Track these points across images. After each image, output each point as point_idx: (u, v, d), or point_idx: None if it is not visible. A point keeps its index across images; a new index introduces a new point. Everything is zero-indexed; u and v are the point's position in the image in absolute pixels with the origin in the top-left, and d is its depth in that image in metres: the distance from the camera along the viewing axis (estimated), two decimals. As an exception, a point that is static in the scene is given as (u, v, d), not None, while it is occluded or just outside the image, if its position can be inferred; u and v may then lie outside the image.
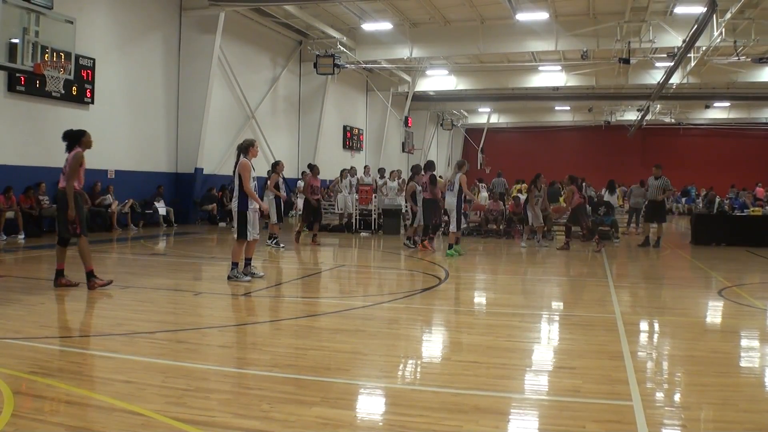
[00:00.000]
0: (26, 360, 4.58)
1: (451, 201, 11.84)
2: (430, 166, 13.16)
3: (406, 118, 31.68)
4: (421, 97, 32.86)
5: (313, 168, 14.80)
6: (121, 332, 5.54)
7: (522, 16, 19.01)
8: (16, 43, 10.41)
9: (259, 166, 22.27)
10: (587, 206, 15.26)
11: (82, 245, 7.44)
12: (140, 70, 17.17)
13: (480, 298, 8.43)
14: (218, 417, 3.57)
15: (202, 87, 18.29)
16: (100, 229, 15.24)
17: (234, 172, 8.42)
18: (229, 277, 8.33)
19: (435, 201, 12.67)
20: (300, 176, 18.69)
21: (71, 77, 11.90)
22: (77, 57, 13.00)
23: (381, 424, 3.63)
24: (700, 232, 15.32)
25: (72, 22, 11.60)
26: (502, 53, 24.25)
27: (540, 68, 26.88)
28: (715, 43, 18.25)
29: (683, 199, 33.61)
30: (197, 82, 18.35)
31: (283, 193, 13.34)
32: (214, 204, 19.21)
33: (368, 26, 21.99)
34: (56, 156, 14.82)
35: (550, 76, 27.65)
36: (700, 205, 28.18)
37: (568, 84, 28.11)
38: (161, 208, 17.47)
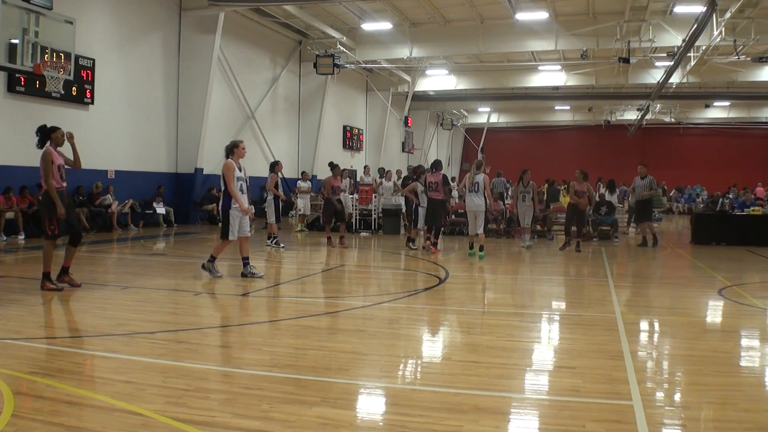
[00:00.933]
0: (26, 360, 4.58)
1: (478, 202, 11.53)
2: (439, 165, 12.70)
3: (406, 118, 31.69)
4: (421, 97, 32.87)
5: (334, 168, 14.18)
6: (121, 332, 5.54)
7: (522, 16, 19.02)
8: (15, 44, 10.41)
9: (260, 166, 22.35)
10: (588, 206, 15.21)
11: (47, 247, 7.34)
12: (140, 70, 17.17)
13: (480, 298, 8.43)
14: (218, 417, 3.56)
15: (201, 87, 18.30)
16: (100, 229, 15.24)
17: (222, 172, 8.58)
18: (202, 266, 8.60)
19: (445, 202, 12.47)
20: (300, 176, 18.65)
21: (71, 77, 11.90)
22: (77, 57, 13.01)
23: (381, 424, 3.63)
24: (700, 232, 15.31)
25: (72, 23, 11.60)
26: (502, 53, 24.25)
27: (540, 68, 26.89)
28: (715, 43, 18.26)
29: (682, 199, 33.64)
30: (197, 82, 18.35)
31: (281, 193, 13.37)
32: (214, 204, 19.19)
33: (368, 26, 22.00)
34: (56, 156, 14.90)
35: (550, 76, 27.66)
36: (701, 205, 28.21)
37: (568, 83, 28.12)
38: (161, 209, 17.47)
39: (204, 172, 19.08)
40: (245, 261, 8.68)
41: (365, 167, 20.78)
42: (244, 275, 8.61)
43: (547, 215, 17.07)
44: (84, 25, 13.86)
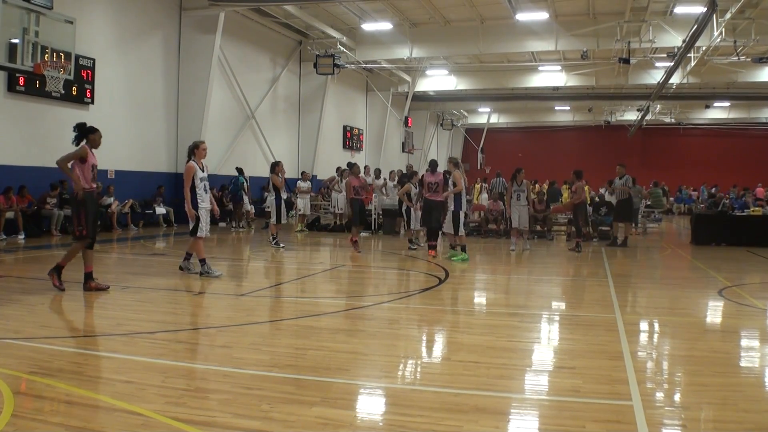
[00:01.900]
0: (26, 360, 4.58)
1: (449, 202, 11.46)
2: (436, 165, 12.33)
3: (406, 118, 31.69)
4: (421, 97, 32.88)
5: (353, 166, 13.60)
6: (121, 332, 5.54)
7: (522, 16, 19.02)
8: (16, 44, 10.41)
9: (260, 167, 22.34)
10: (588, 206, 15.22)
11: (76, 247, 7.39)
12: (140, 70, 17.17)
13: (480, 298, 8.43)
14: (218, 417, 3.56)
15: (202, 87, 18.29)
16: (100, 229, 15.22)
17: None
18: (200, 273, 8.78)
19: (444, 204, 12.10)
20: (300, 176, 18.66)
21: (71, 77, 11.90)
22: (77, 57, 13.01)
23: (381, 424, 3.63)
24: (700, 232, 15.31)
25: (72, 22, 11.60)
26: (502, 53, 24.25)
27: (540, 68, 26.90)
28: (715, 43, 18.25)
29: (699, 198, 33.45)
30: (197, 82, 18.34)
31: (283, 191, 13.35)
32: (214, 204, 19.19)
33: (368, 26, 21.99)
34: (56, 156, 14.80)
35: (550, 76, 27.67)
36: (701, 205, 28.20)
37: (568, 84, 28.13)
38: (161, 209, 17.46)
39: (204, 172, 19.05)
40: (188, 255, 9.10)
41: (365, 167, 20.78)
42: (181, 268, 9.05)
43: (547, 215, 17.07)
44: (84, 25, 13.86)
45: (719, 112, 35.56)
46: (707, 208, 19.76)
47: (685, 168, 38.00)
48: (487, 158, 39.86)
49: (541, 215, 16.86)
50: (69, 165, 7.31)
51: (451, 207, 11.53)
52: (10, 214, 13.03)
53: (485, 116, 40.50)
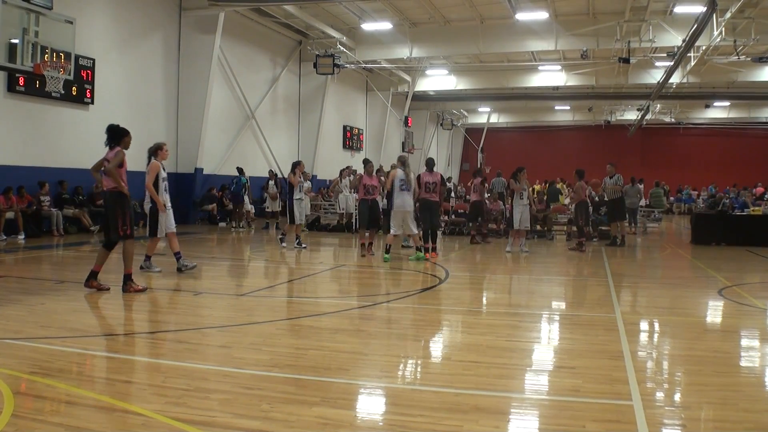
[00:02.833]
0: (26, 360, 4.58)
1: (410, 202, 11.07)
2: (432, 164, 12.06)
3: (406, 118, 31.68)
4: (421, 97, 32.87)
5: (366, 164, 12.67)
6: (121, 332, 5.54)
7: (522, 16, 19.02)
8: (15, 44, 10.40)
9: (260, 167, 22.33)
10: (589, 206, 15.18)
11: (130, 247, 7.51)
12: (140, 70, 17.17)
13: (480, 298, 8.43)
14: (218, 417, 3.56)
15: (202, 87, 18.30)
16: (100, 229, 15.21)
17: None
18: (140, 266, 8.96)
19: (440, 204, 12.04)
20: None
21: (71, 77, 11.88)
22: (77, 57, 12.99)
23: (381, 424, 3.63)
24: (700, 232, 15.31)
25: (72, 23, 11.59)
26: (502, 53, 24.25)
27: (540, 68, 26.89)
28: (715, 43, 18.26)
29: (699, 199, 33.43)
30: (197, 82, 18.35)
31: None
32: (214, 204, 19.22)
33: (368, 26, 21.99)
34: (56, 156, 14.91)
35: (550, 76, 27.66)
36: (701, 204, 28.20)
37: (568, 84, 28.12)
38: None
39: (204, 172, 19.08)
40: (177, 256, 9.14)
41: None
42: (179, 270, 9.03)
43: (547, 215, 17.07)
44: (84, 25, 13.85)
45: (719, 111, 35.56)
46: (707, 208, 19.76)
47: (684, 168, 38.00)
48: (487, 158, 39.84)
49: (541, 215, 16.86)
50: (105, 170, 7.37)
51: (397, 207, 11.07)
52: (10, 214, 13.03)
53: (485, 116, 40.49)
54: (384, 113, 31.81)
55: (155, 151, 9.19)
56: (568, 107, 37.19)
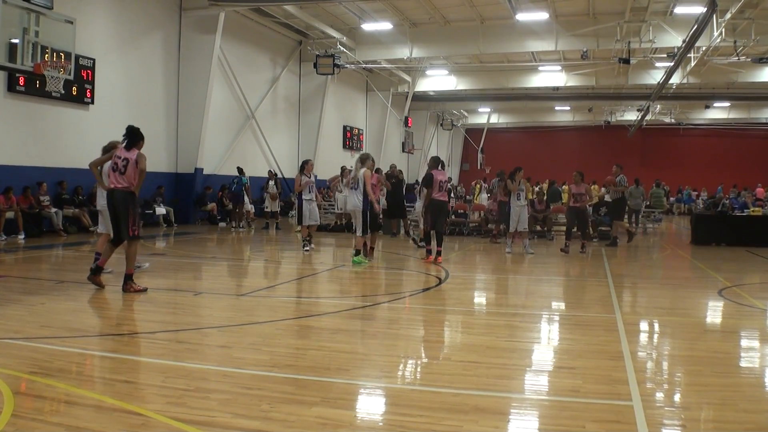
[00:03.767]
0: (26, 360, 4.58)
1: (355, 201, 10.69)
2: (441, 162, 11.76)
3: (406, 118, 31.70)
4: (421, 97, 32.87)
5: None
6: (121, 332, 5.54)
7: (522, 16, 19.02)
8: (16, 43, 10.40)
9: (260, 167, 22.31)
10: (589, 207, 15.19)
11: (134, 248, 7.47)
12: (140, 70, 17.17)
13: (480, 298, 8.43)
14: (218, 417, 3.56)
15: (202, 87, 18.30)
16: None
17: None
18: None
19: (447, 204, 11.72)
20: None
21: (71, 77, 11.89)
22: (77, 57, 12.99)
23: (381, 424, 3.63)
24: (700, 232, 15.32)
25: (72, 22, 11.59)
26: (502, 53, 24.25)
27: (540, 68, 26.90)
28: (715, 43, 18.25)
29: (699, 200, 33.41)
30: (197, 82, 18.35)
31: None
32: (214, 204, 19.22)
33: (368, 26, 21.99)
34: (56, 156, 14.91)
35: (550, 76, 27.66)
36: (701, 205, 28.21)
37: (568, 84, 28.13)
38: (161, 209, 17.45)
39: (204, 172, 19.08)
40: (97, 255, 8.64)
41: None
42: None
43: (547, 215, 17.07)
44: (84, 25, 13.85)
45: (719, 112, 35.57)
46: (706, 209, 19.77)
47: (684, 168, 38.00)
48: (487, 158, 39.83)
49: (541, 215, 16.86)
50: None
51: (361, 207, 10.67)
52: (10, 214, 13.03)
53: (485, 116, 40.50)
54: (384, 113, 31.82)
55: (109, 150, 8.57)
56: (568, 108, 37.20)
